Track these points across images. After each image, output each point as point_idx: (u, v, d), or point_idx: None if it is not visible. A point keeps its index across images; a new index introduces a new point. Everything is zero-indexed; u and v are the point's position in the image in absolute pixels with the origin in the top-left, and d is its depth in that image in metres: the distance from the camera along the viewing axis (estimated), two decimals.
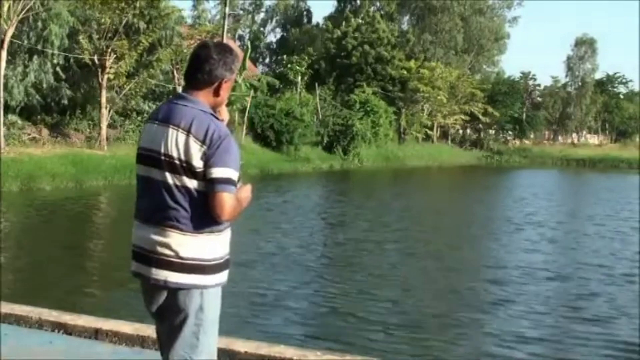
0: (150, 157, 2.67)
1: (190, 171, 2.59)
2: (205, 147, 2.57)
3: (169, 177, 2.61)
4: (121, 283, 8.54)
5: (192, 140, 2.58)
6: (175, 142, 2.60)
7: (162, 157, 2.62)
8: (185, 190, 2.60)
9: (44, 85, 24.23)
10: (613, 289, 9.42)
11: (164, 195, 2.62)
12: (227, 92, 2.76)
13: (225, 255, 2.75)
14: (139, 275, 2.74)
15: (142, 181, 2.74)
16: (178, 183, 2.61)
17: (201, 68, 2.67)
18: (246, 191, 2.73)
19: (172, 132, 2.62)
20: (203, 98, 2.69)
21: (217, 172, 2.57)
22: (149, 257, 2.67)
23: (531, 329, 7.32)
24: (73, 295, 8.20)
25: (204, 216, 2.61)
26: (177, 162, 2.60)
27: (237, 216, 2.65)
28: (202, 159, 2.57)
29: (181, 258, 2.63)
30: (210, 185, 2.57)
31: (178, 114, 2.64)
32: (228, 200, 2.57)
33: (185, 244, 2.63)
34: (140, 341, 4.21)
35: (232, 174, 2.59)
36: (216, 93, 2.70)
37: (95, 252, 11.76)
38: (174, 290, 2.67)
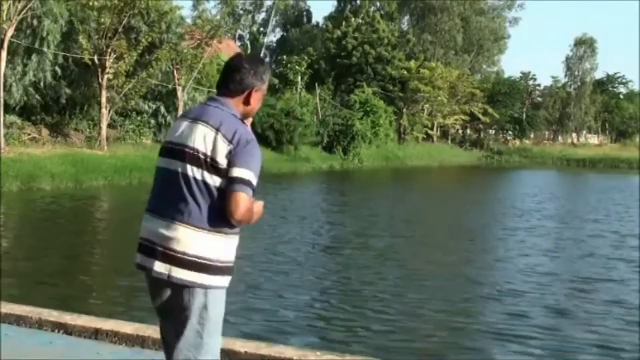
0: (175, 150, 2.74)
1: (213, 167, 2.64)
2: (231, 146, 2.64)
3: (190, 170, 2.67)
4: (121, 283, 8.55)
5: (220, 137, 2.66)
6: (203, 137, 2.68)
7: (188, 150, 2.69)
8: (204, 185, 2.65)
9: (43, 84, 24.25)
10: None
11: (182, 188, 2.67)
12: (259, 101, 2.85)
13: (230, 261, 2.76)
14: (142, 268, 2.75)
15: (161, 173, 2.78)
16: (198, 177, 2.65)
17: (233, 77, 2.78)
18: (259, 206, 2.77)
19: (201, 127, 2.70)
20: (234, 105, 2.78)
21: (238, 172, 2.63)
22: (155, 249, 2.68)
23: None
24: (73, 295, 8.20)
25: (217, 215, 2.64)
26: (202, 156, 2.66)
27: (247, 221, 2.69)
28: (226, 157, 2.64)
29: (187, 254, 2.64)
30: (229, 183, 2.62)
31: (209, 114, 2.74)
32: (244, 201, 2.62)
33: (193, 240, 2.64)
34: (140, 341, 4.21)
35: (252, 177, 2.66)
36: (247, 101, 2.80)
37: (95, 251, 11.74)
38: (179, 288, 2.67)
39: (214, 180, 2.64)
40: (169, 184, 2.71)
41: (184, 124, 2.77)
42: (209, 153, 2.65)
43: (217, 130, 2.67)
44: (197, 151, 2.66)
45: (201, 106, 2.84)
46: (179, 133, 2.76)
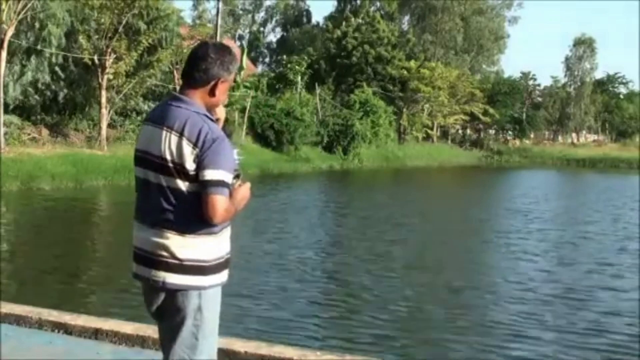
0: (145, 159, 2.69)
1: (183, 173, 2.59)
2: (197, 149, 2.57)
3: (163, 180, 2.63)
4: (121, 283, 8.54)
5: (185, 142, 2.59)
6: (168, 144, 2.61)
7: (156, 160, 2.64)
8: (179, 192, 2.61)
9: (41, 85, 24.23)
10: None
11: (160, 198, 2.64)
12: (224, 93, 2.74)
13: (225, 255, 2.76)
14: (138, 277, 2.76)
15: (139, 183, 2.76)
16: (172, 186, 2.61)
17: (198, 66, 2.67)
18: (244, 191, 2.72)
19: (165, 134, 2.62)
20: (198, 98, 2.68)
21: (209, 175, 2.56)
22: (149, 258, 2.69)
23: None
24: (73, 295, 8.21)
25: (199, 218, 2.61)
26: (170, 164, 2.60)
27: (231, 217, 2.66)
28: (194, 161, 2.57)
29: (179, 259, 2.64)
30: (202, 188, 2.57)
31: (172, 116, 2.64)
32: (220, 203, 2.56)
33: (182, 245, 2.64)
34: (140, 341, 4.22)
35: (225, 175, 2.59)
36: (212, 93, 2.69)
37: (95, 252, 11.75)
38: (173, 291, 2.68)
39: (188, 187, 2.60)
40: (148, 194, 2.68)
41: (149, 130, 2.71)
42: (176, 160, 2.59)
43: (181, 134, 2.59)
44: (166, 160, 2.60)
45: (163, 106, 2.72)
46: (146, 140, 2.70)
